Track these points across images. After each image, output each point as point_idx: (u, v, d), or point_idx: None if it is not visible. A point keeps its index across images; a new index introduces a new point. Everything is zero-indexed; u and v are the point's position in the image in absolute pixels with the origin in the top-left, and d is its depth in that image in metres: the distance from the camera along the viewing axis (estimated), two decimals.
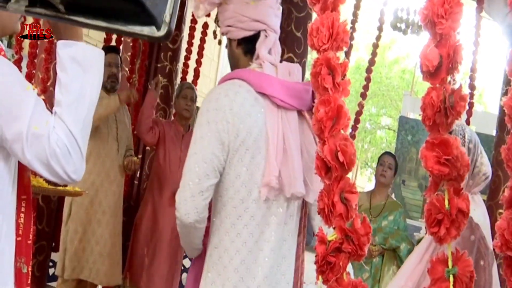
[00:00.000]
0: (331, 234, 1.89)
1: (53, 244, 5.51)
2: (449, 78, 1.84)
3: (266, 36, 2.31)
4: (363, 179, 26.81)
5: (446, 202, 1.78)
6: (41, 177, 2.70)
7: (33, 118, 1.60)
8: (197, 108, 3.61)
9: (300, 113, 2.29)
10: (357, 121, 5.40)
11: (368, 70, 5.28)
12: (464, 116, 5.64)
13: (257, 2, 2.28)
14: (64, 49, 1.66)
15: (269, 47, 2.30)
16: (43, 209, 5.32)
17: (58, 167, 1.61)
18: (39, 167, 1.62)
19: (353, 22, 5.28)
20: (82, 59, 1.65)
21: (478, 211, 2.73)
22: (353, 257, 1.87)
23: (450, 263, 1.76)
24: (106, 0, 0.75)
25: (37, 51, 4.77)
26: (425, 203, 1.98)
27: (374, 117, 23.63)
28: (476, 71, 5.25)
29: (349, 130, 4.73)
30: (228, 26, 2.34)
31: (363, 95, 5.33)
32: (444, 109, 1.80)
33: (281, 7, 2.39)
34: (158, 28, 0.80)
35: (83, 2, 0.78)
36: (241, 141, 2.20)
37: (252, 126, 2.21)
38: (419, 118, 1.91)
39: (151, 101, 4.91)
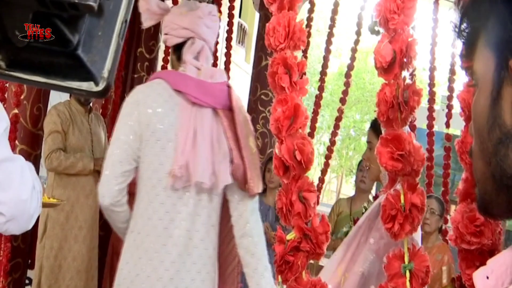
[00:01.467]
0: (289, 233, 1.94)
1: (29, 261, 5.51)
2: (404, 74, 1.90)
3: (192, 43, 2.56)
4: (348, 187, 26.93)
5: (402, 197, 1.83)
6: None
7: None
8: None
9: (215, 110, 2.50)
10: (336, 126, 5.46)
11: (347, 75, 5.34)
12: (443, 119, 5.67)
13: (189, 13, 2.57)
14: None
15: (195, 53, 2.56)
16: None
17: (17, 190, 1.62)
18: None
19: (331, 27, 5.36)
20: None
21: None
22: (312, 256, 1.92)
23: (406, 259, 1.81)
24: (46, 55, 0.79)
25: None
26: None
27: (359, 124, 23.76)
28: (435, 67, 5.23)
29: (328, 136, 4.75)
30: (166, 34, 2.63)
31: (343, 101, 5.39)
32: (397, 104, 1.85)
33: (217, 18, 2.68)
34: (97, 84, 0.82)
35: (23, 57, 0.82)
36: (151, 132, 2.43)
37: (163, 118, 2.45)
38: None
39: None
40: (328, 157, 5.47)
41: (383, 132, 1.91)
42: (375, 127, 2.75)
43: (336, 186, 27.70)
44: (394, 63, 1.88)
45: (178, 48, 2.59)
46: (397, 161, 1.83)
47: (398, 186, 1.90)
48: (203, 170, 2.38)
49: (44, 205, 4.44)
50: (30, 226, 1.70)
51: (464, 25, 0.74)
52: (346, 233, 4.89)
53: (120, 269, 2.52)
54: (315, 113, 5.51)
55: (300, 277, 1.92)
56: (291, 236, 1.94)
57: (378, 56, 1.90)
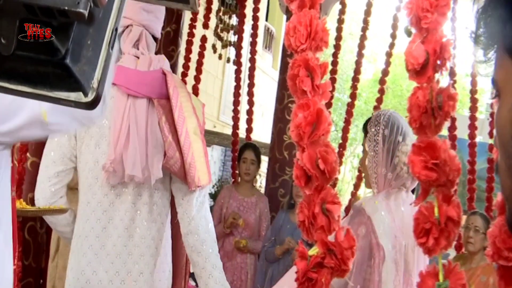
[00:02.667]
0: (312, 248, 1.92)
1: (41, 281, 5.54)
2: (437, 76, 1.87)
3: (130, 30, 2.57)
4: None
5: (436, 210, 1.80)
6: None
7: None
8: None
9: (151, 100, 2.51)
10: None
11: (382, 81, 5.30)
12: (487, 128, 5.59)
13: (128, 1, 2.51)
14: None
15: (133, 41, 2.56)
16: (30, 243, 5.35)
17: None
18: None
19: (364, 29, 5.32)
20: None
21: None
22: (336, 273, 1.89)
23: (441, 277, 1.77)
24: (33, 64, 0.79)
25: None
26: None
27: None
28: (477, 72, 5.14)
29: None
30: None
31: (377, 109, 5.32)
32: (431, 109, 1.83)
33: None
34: (86, 94, 0.83)
35: (9, 67, 0.83)
36: (85, 130, 2.47)
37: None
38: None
39: None
40: (360, 170, 5.42)
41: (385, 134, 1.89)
42: (364, 128, 2.74)
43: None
44: (427, 65, 1.85)
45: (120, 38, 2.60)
46: (431, 170, 1.80)
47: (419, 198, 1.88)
48: (134, 164, 2.40)
49: (50, 212, 4.47)
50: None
51: (481, 30, 0.70)
52: None
53: (66, 276, 2.58)
54: (347, 122, 5.48)
55: None
56: (314, 251, 1.92)
57: (409, 58, 1.88)
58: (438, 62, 1.85)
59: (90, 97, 0.85)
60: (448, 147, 1.82)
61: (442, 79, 1.88)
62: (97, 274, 2.45)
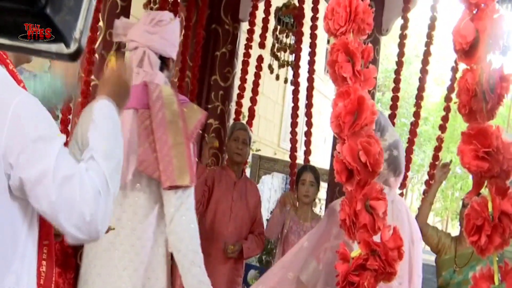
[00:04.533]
0: (354, 250, 1.80)
1: None
2: (489, 57, 1.76)
3: (135, 52, 2.98)
4: (455, 232, 25.82)
5: (490, 204, 1.66)
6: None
7: (60, 157, 1.68)
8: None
9: (136, 110, 2.85)
10: (436, 157, 5.19)
11: (447, 99, 5.13)
12: None
13: (134, 25, 3.06)
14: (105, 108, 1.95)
15: (137, 60, 2.96)
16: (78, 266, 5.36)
17: (87, 213, 1.68)
18: (62, 213, 1.67)
19: (427, 44, 5.17)
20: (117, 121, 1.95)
21: None
22: (381, 276, 1.76)
23: (496, 279, 1.63)
24: (11, 15, 0.79)
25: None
26: None
27: None
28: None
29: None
30: None
31: (442, 128, 5.16)
32: (481, 93, 1.71)
33: (165, 23, 3.04)
34: (67, 46, 0.84)
35: None
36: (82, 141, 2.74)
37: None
38: None
39: (201, 176, 4.79)
40: (426, 192, 5.21)
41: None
42: None
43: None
44: (476, 45, 1.74)
45: None
46: (483, 160, 1.67)
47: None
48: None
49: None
50: (102, 235, 1.77)
51: None
52: (449, 279, 4.62)
53: None
54: (411, 142, 5.30)
55: None
56: (356, 253, 1.80)
57: (457, 37, 1.77)
58: (490, 41, 1.73)
59: (72, 48, 0.85)
60: (501, 134, 1.69)
61: (495, 60, 1.75)
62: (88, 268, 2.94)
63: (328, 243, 2.38)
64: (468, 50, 1.74)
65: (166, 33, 3.03)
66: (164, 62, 3.06)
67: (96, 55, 4.16)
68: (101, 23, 4.18)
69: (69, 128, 5.03)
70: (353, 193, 1.82)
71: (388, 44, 14.33)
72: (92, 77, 4.12)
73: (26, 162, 1.65)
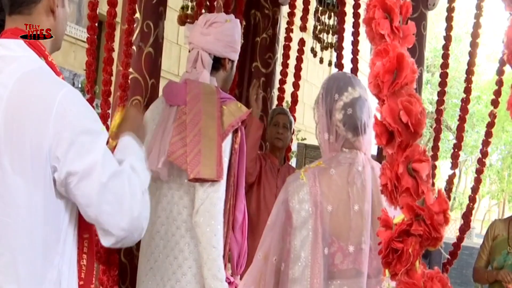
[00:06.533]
0: (397, 216, 1.73)
1: None
2: None
3: (191, 52, 3.29)
4: None
5: None
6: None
7: (106, 153, 1.75)
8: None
9: (179, 107, 3.14)
10: (488, 134, 5.00)
11: (500, 72, 4.96)
12: None
13: (191, 27, 3.37)
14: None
15: (192, 60, 3.26)
16: (126, 266, 5.36)
17: (135, 208, 1.75)
18: (109, 206, 1.72)
19: (477, 16, 4.99)
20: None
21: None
22: (427, 242, 1.69)
23: None
24: None
25: (111, 88, 4.73)
26: None
27: None
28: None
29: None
30: None
31: (495, 103, 4.99)
32: None
33: (219, 24, 3.26)
34: None
35: None
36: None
37: (153, 120, 3.26)
38: None
39: (256, 136, 4.71)
40: (479, 172, 5.06)
41: None
42: None
43: (497, 215, 25.46)
44: None
45: None
46: None
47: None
48: (153, 159, 3.00)
49: None
50: (143, 234, 1.84)
51: None
52: (503, 262, 4.49)
53: None
54: (462, 120, 5.16)
55: (413, 269, 1.69)
56: (399, 218, 1.73)
57: None
58: None
59: None
60: None
61: None
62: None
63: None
64: None
65: (221, 34, 3.26)
66: (220, 62, 3.29)
67: (134, 47, 4.08)
68: (137, 15, 4.09)
69: (108, 123, 5.02)
70: (395, 156, 1.75)
71: (437, 22, 13.99)
72: (131, 69, 4.05)
73: (74, 155, 1.69)
